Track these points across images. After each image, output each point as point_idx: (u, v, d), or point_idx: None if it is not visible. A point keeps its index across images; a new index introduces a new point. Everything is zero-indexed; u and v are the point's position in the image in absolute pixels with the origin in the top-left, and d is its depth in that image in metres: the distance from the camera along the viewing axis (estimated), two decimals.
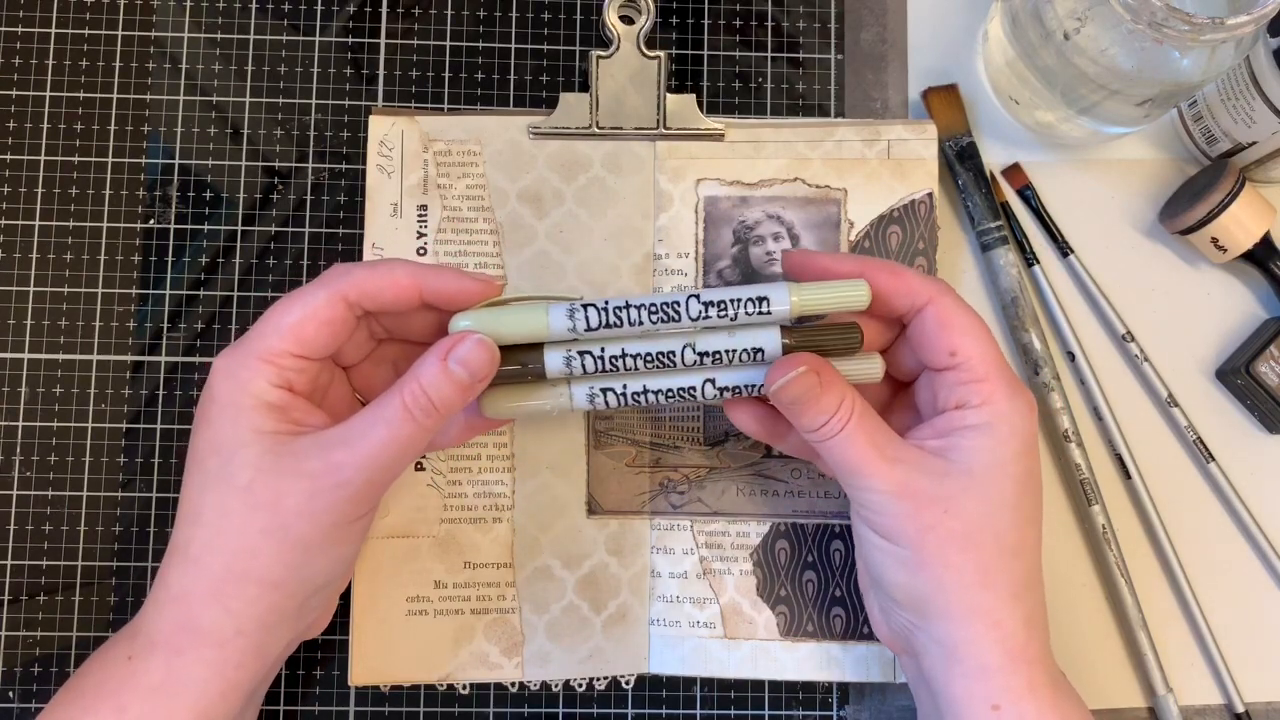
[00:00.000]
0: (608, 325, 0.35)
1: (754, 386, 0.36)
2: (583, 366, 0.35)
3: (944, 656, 0.34)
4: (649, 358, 0.35)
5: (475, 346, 0.34)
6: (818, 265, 0.36)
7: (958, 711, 0.33)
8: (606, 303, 0.35)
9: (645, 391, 0.36)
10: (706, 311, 0.35)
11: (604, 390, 0.36)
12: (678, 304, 0.35)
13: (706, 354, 0.35)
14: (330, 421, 0.34)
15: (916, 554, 0.34)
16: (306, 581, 0.34)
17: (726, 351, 0.35)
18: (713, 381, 0.36)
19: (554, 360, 0.35)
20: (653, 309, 0.35)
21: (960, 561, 0.33)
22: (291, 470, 0.33)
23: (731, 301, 0.35)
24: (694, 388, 0.36)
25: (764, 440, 0.39)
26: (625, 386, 0.36)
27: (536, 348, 0.36)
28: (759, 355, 0.35)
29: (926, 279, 0.36)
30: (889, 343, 0.38)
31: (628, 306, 0.35)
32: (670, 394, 0.36)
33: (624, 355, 0.35)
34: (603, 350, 0.35)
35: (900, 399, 0.39)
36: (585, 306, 0.35)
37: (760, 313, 0.35)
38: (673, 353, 0.35)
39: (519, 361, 0.36)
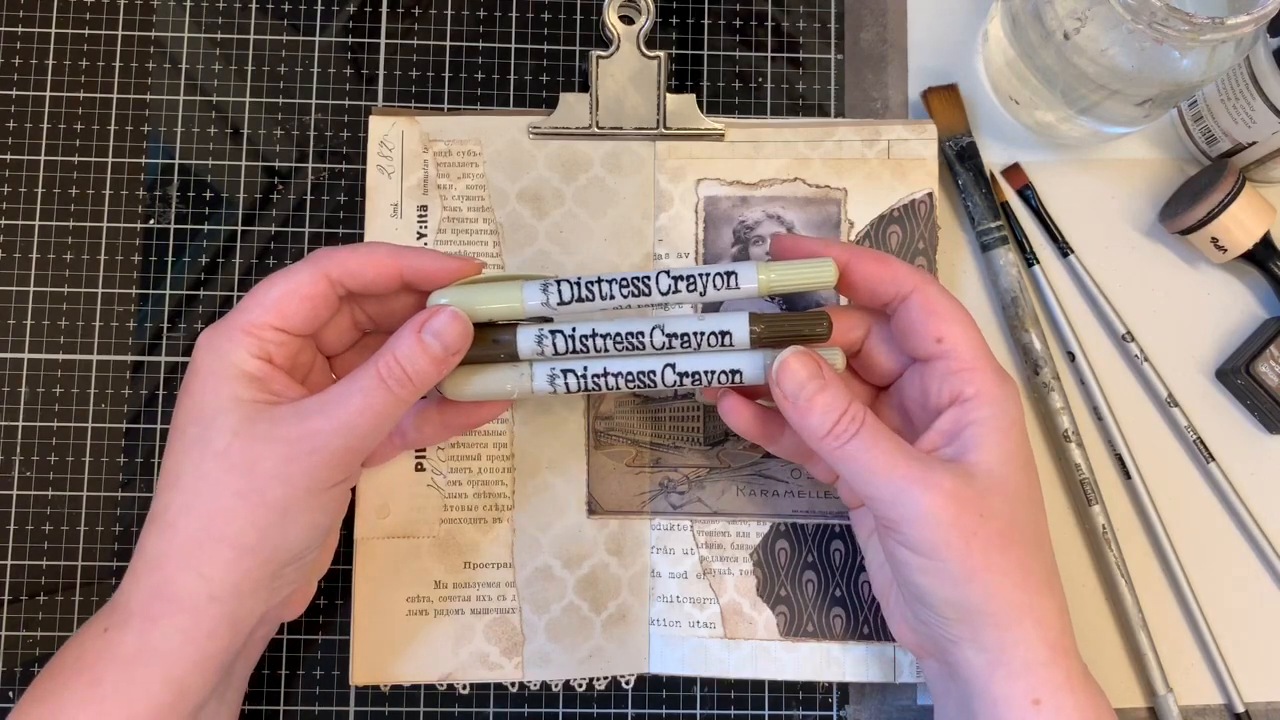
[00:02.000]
0: (580, 299, 0.35)
1: (714, 374, 0.36)
2: (554, 346, 0.36)
3: (988, 661, 0.33)
4: (619, 338, 0.36)
5: (449, 319, 0.34)
6: (805, 249, 0.37)
7: (997, 710, 0.33)
8: (579, 278, 0.36)
9: (606, 374, 0.36)
10: (676, 286, 0.35)
11: (564, 372, 0.36)
12: (648, 278, 0.35)
13: (675, 335, 0.36)
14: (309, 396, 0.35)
15: (964, 565, 0.33)
16: (280, 548, 0.34)
17: (695, 334, 0.36)
18: (673, 366, 0.36)
19: (526, 339, 0.36)
20: (624, 283, 0.35)
21: (1005, 565, 0.33)
22: (268, 435, 0.33)
23: (701, 276, 0.35)
24: (654, 372, 0.36)
25: (757, 440, 0.39)
26: (586, 369, 0.36)
27: (510, 327, 0.36)
28: (727, 338, 0.36)
29: (912, 268, 0.36)
30: (860, 343, 0.38)
31: (600, 281, 0.36)
32: (631, 378, 0.36)
33: (594, 335, 0.36)
34: (574, 330, 0.36)
35: (881, 404, 0.39)
36: (559, 281, 0.36)
37: (729, 288, 0.35)
38: (642, 333, 0.36)
39: (492, 339, 0.36)
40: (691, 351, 0.36)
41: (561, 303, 0.35)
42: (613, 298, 0.36)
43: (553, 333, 0.36)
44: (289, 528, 0.34)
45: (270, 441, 0.33)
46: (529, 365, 0.36)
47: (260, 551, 0.33)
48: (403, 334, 0.34)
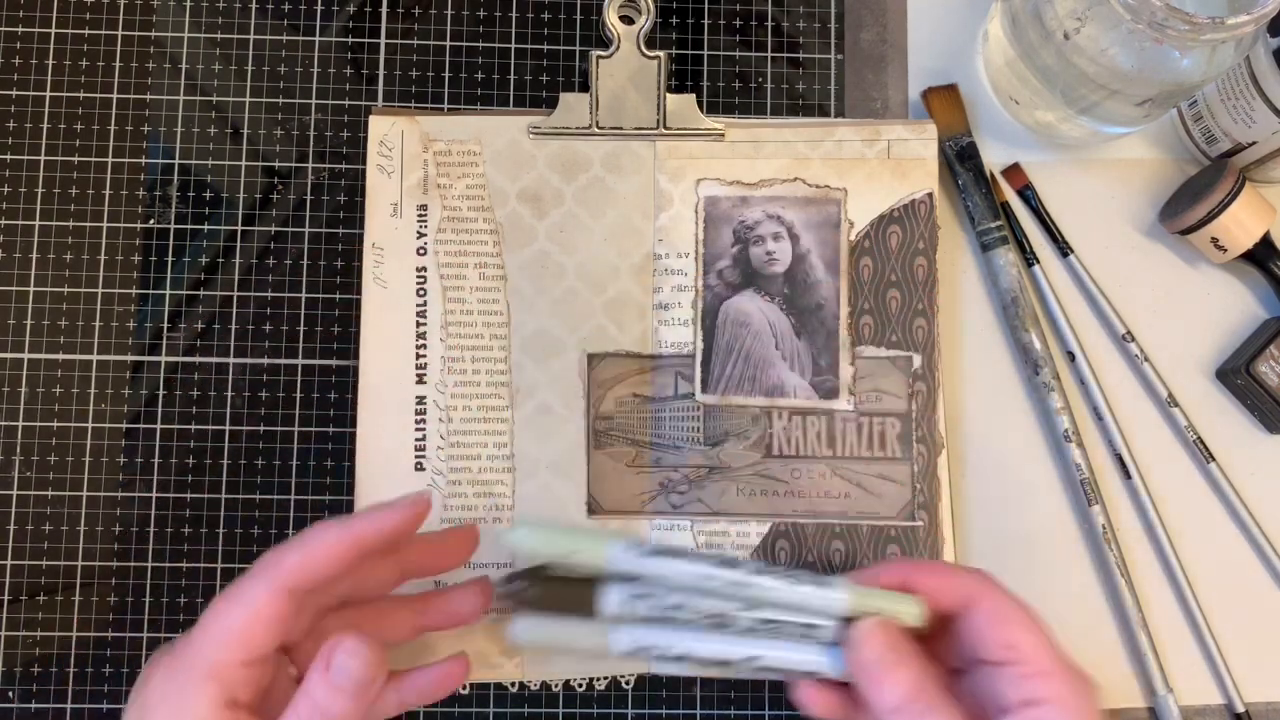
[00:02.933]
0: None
1: (794, 671, 0.36)
2: (636, 610, 0.35)
3: None
4: (704, 614, 0.35)
5: (348, 655, 0.32)
6: (876, 576, 0.36)
7: None
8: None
9: (689, 657, 0.36)
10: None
11: (647, 649, 0.36)
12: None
13: (762, 621, 0.35)
14: None
15: None
16: None
17: (784, 622, 0.35)
18: (754, 661, 0.36)
19: (611, 600, 0.35)
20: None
21: None
22: None
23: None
24: (734, 663, 0.36)
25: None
26: (671, 648, 0.36)
27: (592, 582, 0.36)
28: (814, 631, 0.35)
29: (969, 574, 0.35)
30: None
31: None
32: (712, 664, 0.36)
33: (682, 607, 0.35)
34: (662, 597, 0.35)
35: (954, 688, 0.37)
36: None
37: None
38: (728, 613, 0.35)
39: (575, 591, 0.36)
40: (774, 635, 0.36)
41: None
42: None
43: (638, 597, 0.35)
44: None
45: None
46: (606, 624, 0.36)
47: None
48: (313, 676, 0.32)
